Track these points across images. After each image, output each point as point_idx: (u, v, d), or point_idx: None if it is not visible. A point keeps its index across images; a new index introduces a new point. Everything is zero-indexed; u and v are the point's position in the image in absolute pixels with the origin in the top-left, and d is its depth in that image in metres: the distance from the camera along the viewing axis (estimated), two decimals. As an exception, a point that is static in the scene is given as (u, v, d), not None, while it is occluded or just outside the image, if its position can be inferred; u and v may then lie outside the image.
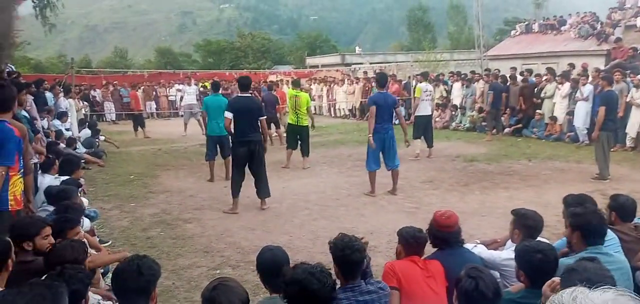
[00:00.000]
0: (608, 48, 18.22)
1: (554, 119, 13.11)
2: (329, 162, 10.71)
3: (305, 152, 10.34)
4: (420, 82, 11.67)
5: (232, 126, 7.06)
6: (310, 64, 39.42)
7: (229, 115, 7.04)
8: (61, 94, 12.65)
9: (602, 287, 1.15)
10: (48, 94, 11.83)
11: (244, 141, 6.99)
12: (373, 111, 7.58)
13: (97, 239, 5.32)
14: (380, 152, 7.77)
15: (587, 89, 11.88)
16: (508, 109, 14.31)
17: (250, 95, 7.36)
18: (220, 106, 9.00)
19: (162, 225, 6.47)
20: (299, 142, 10.34)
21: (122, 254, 4.09)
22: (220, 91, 10.00)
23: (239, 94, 7.39)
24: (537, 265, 2.72)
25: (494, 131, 13.63)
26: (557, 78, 13.55)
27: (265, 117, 7.51)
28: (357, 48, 45.23)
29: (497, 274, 3.35)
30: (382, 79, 8.33)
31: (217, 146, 9.14)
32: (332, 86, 23.16)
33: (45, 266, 3.20)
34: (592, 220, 3.18)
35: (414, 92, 12.50)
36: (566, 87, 12.93)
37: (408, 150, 9.63)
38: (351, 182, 8.75)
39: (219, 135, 9.02)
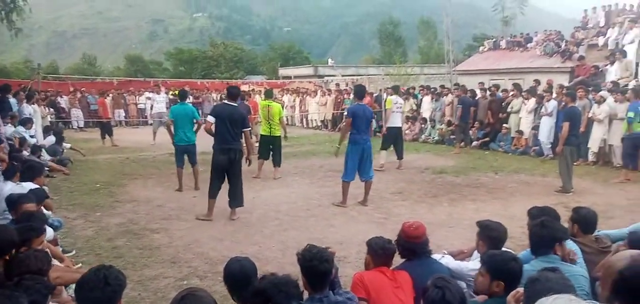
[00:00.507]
0: (572, 65, 18.78)
1: (520, 133, 13.43)
2: (300, 173, 10.70)
3: (276, 163, 10.32)
4: (391, 95, 11.84)
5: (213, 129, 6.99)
6: (283, 75, 39.45)
7: (211, 119, 7.00)
8: (25, 100, 12.31)
9: (590, 301, 1.16)
10: (12, 100, 11.50)
11: (224, 149, 6.95)
12: (348, 121, 7.72)
13: (60, 249, 5.17)
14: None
15: (551, 105, 12.24)
16: (476, 123, 14.61)
17: (235, 104, 7.27)
18: (187, 115, 8.93)
19: (129, 235, 6.33)
20: (271, 152, 10.32)
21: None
22: (189, 100, 9.91)
23: (225, 102, 7.32)
24: (513, 273, 2.80)
25: (462, 143, 13.89)
26: (523, 93, 13.91)
27: (249, 128, 7.46)
28: (329, 60, 45.61)
29: (463, 284, 3.41)
30: (360, 91, 8.32)
31: (185, 155, 9.05)
32: (304, 97, 23.23)
33: (6, 276, 3.10)
34: (537, 231, 3.31)
35: (385, 104, 12.70)
36: (532, 102, 13.28)
37: (374, 161, 9.70)
38: (322, 192, 8.76)
39: (186, 144, 8.94)
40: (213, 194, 7.12)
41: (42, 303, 2.76)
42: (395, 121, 11.48)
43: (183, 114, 8.90)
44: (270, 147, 10.31)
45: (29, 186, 5.89)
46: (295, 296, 2.64)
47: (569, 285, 2.33)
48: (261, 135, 10.55)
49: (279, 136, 10.41)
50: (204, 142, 8.63)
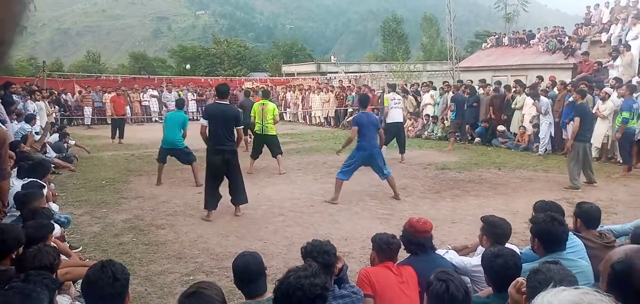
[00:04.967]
0: (575, 62, 18.76)
1: (523, 128, 13.44)
2: (303, 169, 10.74)
3: (275, 154, 10.34)
4: (388, 93, 12.03)
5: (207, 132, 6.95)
6: (286, 72, 39.50)
7: (204, 122, 6.95)
8: (29, 98, 12.40)
9: (578, 287, 1.20)
10: (16, 97, 11.57)
11: (218, 149, 6.87)
12: (355, 130, 7.88)
13: (67, 245, 5.22)
14: (368, 168, 8.00)
15: (544, 103, 12.28)
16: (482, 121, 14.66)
17: (227, 103, 7.22)
18: (178, 122, 9.24)
19: (135, 231, 6.39)
20: (269, 149, 10.36)
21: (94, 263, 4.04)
22: (186, 108, 10.14)
23: (216, 101, 7.29)
24: (497, 270, 2.80)
25: (458, 138, 13.92)
26: (526, 90, 13.91)
27: (242, 126, 7.43)
28: (332, 57, 45.64)
29: (467, 279, 3.43)
30: (364, 100, 8.47)
31: (168, 155, 9.34)
32: (307, 93, 23.27)
33: (17, 272, 3.14)
34: (550, 228, 3.22)
35: (383, 102, 12.85)
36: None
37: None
38: (326, 189, 8.77)
39: (171, 148, 9.25)
40: (211, 204, 6.95)
41: (50, 298, 2.80)
42: (395, 116, 11.68)
43: (174, 120, 9.26)
44: (264, 146, 10.32)
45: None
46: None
47: (571, 275, 2.35)
48: (255, 133, 10.52)
49: (273, 134, 10.34)
50: (200, 143, 8.64)
